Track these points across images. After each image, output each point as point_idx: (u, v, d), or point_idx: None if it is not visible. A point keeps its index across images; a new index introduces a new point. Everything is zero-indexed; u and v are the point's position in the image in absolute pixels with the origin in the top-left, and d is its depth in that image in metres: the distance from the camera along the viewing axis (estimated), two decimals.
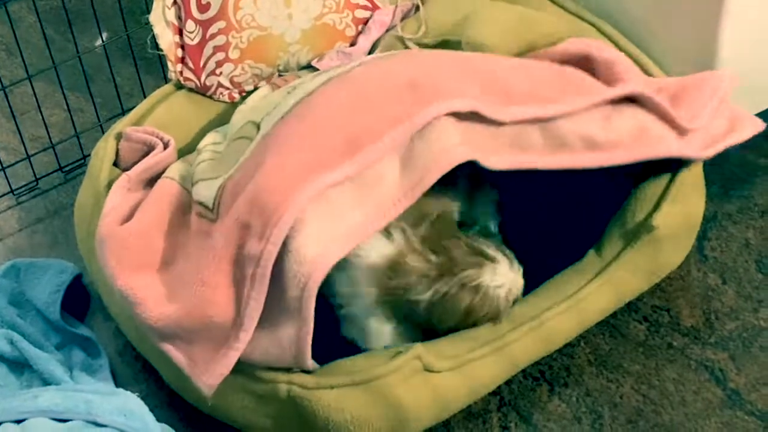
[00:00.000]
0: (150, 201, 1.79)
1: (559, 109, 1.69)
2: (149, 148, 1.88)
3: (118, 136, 1.90)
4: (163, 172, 1.85)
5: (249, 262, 1.60)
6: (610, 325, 1.83)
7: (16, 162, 2.14)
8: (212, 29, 1.98)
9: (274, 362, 1.63)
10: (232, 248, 1.64)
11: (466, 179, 1.77)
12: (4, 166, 2.12)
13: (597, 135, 1.71)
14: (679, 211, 1.77)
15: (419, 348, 1.64)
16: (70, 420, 1.58)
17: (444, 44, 1.94)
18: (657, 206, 1.76)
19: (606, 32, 1.98)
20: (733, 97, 1.88)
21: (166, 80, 2.07)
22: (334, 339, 1.72)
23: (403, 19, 2.03)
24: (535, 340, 1.72)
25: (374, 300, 1.68)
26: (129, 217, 1.77)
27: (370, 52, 2.02)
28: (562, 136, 1.69)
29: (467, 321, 1.69)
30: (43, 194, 2.15)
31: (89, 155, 1.92)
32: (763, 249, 1.93)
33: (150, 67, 2.22)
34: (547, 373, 1.80)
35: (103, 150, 1.89)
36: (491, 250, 1.69)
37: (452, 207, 1.76)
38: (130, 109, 1.99)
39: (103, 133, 1.97)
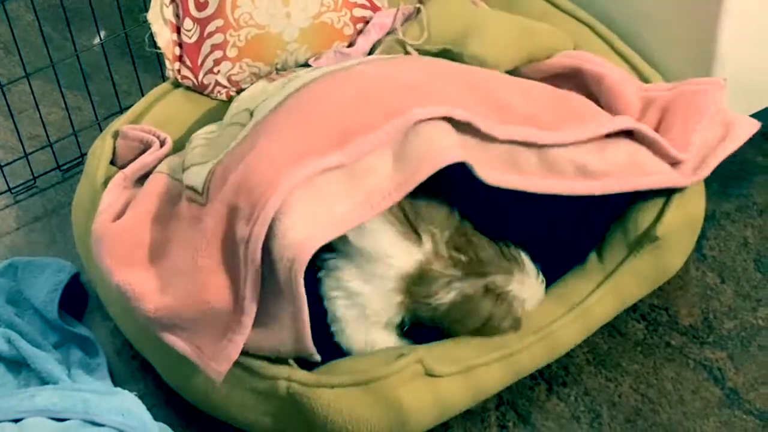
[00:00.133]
0: (141, 196, 1.79)
1: (555, 138, 1.70)
2: (146, 146, 1.88)
3: (115, 135, 1.90)
4: None
5: (239, 244, 1.60)
6: (609, 324, 1.82)
7: (14, 160, 2.14)
8: (210, 27, 1.98)
9: (277, 350, 1.63)
10: (221, 232, 1.64)
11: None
12: (2, 164, 2.12)
13: (591, 164, 1.71)
14: (682, 217, 1.77)
15: (421, 351, 1.64)
16: (68, 419, 1.58)
17: (445, 52, 1.94)
18: (660, 215, 1.76)
19: (602, 34, 1.99)
20: (731, 96, 1.88)
21: (164, 78, 2.06)
22: (333, 339, 1.72)
23: (404, 22, 2.02)
24: (541, 348, 1.72)
25: (397, 306, 1.68)
26: (123, 214, 1.77)
27: (369, 54, 2.02)
28: (555, 162, 1.70)
29: (485, 328, 1.69)
30: (40, 193, 2.14)
31: (87, 154, 1.92)
32: (762, 248, 1.93)
33: (148, 66, 2.22)
34: (545, 372, 1.80)
35: (101, 148, 1.89)
36: (522, 257, 1.69)
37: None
38: (128, 108, 1.99)
39: (101, 131, 1.97)
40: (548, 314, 1.73)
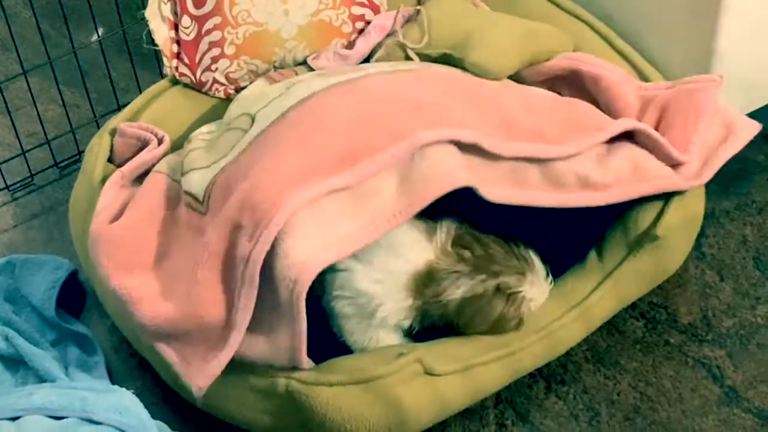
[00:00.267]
0: (140, 196, 1.79)
1: (558, 151, 1.71)
2: (143, 144, 1.88)
3: (113, 132, 1.90)
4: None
5: (239, 262, 1.60)
6: (608, 322, 1.82)
7: (11, 158, 2.14)
8: (208, 25, 1.97)
9: (270, 362, 1.63)
10: (223, 248, 1.64)
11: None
12: None
13: (593, 175, 1.72)
14: (682, 217, 1.77)
15: (421, 350, 1.64)
16: (66, 417, 1.58)
17: (446, 57, 1.94)
18: (661, 214, 1.75)
19: (601, 32, 1.99)
20: (731, 94, 1.88)
21: (162, 76, 2.06)
22: (334, 338, 1.72)
23: (404, 24, 2.02)
24: (541, 348, 1.72)
25: (407, 310, 1.67)
26: (121, 215, 1.77)
27: (369, 56, 2.01)
28: (558, 175, 1.71)
29: (493, 329, 1.69)
30: (38, 190, 2.14)
31: (85, 151, 1.91)
32: (761, 246, 1.93)
33: (146, 63, 2.22)
34: (544, 371, 1.79)
35: (98, 146, 1.89)
36: (532, 257, 1.69)
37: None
38: (126, 105, 1.99)
39: (99, 128, 1.97)
40: (548, 313, 1.73)
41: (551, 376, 1.79)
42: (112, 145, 1.90)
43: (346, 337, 1.70)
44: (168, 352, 1.67)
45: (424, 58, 1.97)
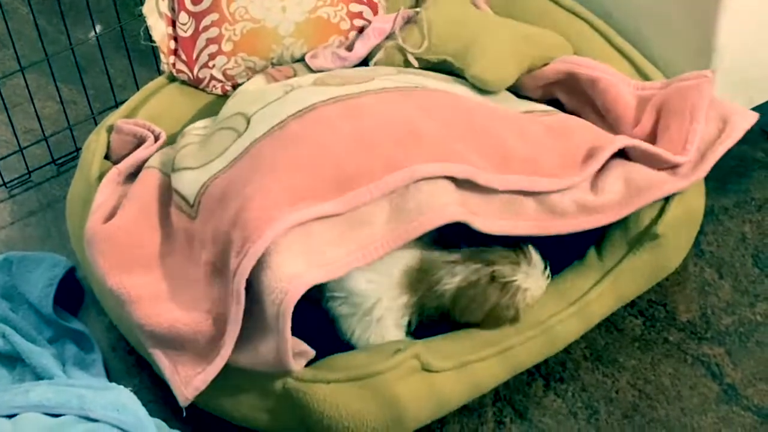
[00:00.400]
0: (133, 194, 1.79)
1: (553, 185, 1.71)
2: (140, 141, 1.88)
3: (110, 129, 1.90)
4: None
5: (228, 277, 1.61)
6: (606, 320, 1.82)
7: (9, 155, 2.13)
8: (205, 21, 1.97)
9: (259, 368, 1.63)
10: (216, 260, 1.65)
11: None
12: None
13: (590, 201, 1.73)
14: (682, 215, 1.77)
15: (419, 346, 1.64)
16: (63, 415, 1.58)
17: (446, 63, 1.94)
18: (661, 213, 1.75)
19: (600, 29, 1.99)
20: (731, 91, 1.88)
21: (159, 72, 2.06)
22: (333, 336, 1.72)
23: (403, 26, 2.01)
24: (539, 343, 1.72)
25: (403, 307, 1.67)
26: (116, 212, 1.77)
27: (367, 59, 2.01)
28: (555, 205, 1.72)
29: (488, 319, 1.69)
30: (35, 187, 2.14)
31: (82, 148, 1.91)
32: (760, 243, 1.92)
33: (143, 59, 2.21)
34: (542, 368, 1.79)
35: (95, 143, 1.89)
36: (530, 250, 1.70)
37: None
38: (123, 102, 1.99)
39: (96, 125, 1.97)
40: (547, 309, 1.73)
41: (550, 373, 1.79)
42: (109, 142, 1.90)
43: (349, 337, 1.70)
44: (161, 357, 1.67)
45: (424, 63, 1.97)
